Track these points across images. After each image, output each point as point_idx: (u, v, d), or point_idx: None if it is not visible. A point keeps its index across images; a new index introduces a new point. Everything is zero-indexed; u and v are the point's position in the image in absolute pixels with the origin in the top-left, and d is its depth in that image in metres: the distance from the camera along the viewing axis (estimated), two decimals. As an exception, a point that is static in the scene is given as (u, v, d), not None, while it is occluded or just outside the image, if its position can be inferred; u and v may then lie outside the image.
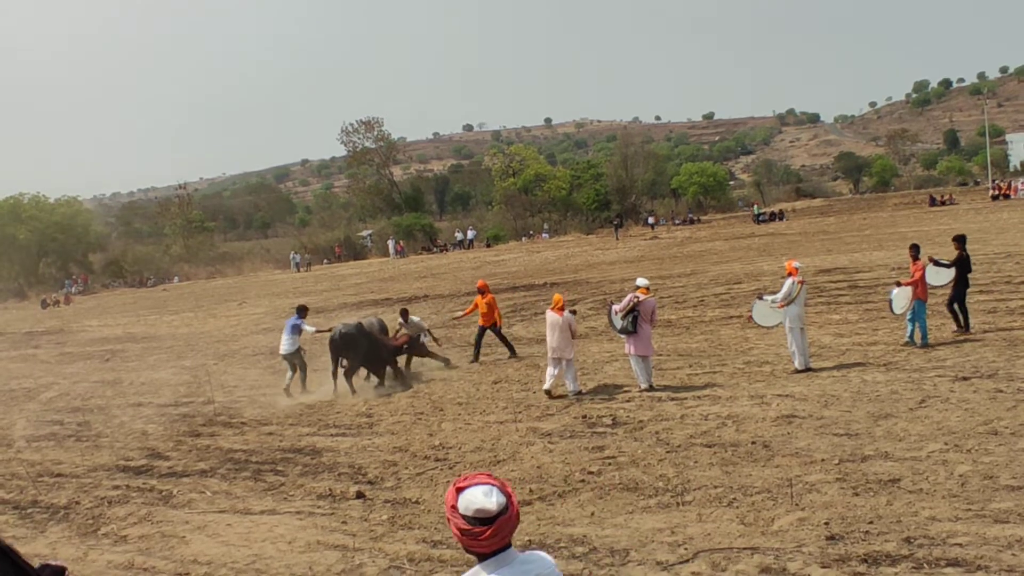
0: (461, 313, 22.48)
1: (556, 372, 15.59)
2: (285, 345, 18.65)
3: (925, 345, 16.38)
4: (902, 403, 12.40)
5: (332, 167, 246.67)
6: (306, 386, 18.37)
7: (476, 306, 20.54)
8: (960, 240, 17.49)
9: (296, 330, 18.59)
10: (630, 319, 15.11)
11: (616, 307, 15.58)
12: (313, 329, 18.98)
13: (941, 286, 17.35)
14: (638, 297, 15.22)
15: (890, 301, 17.08)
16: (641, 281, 15.82)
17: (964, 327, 17.11)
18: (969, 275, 17.47)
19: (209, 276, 72.75)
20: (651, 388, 15.01)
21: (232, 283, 62.42)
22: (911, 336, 16.66)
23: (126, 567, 9.14)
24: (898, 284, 17.03)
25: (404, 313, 20.10)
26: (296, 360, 18.53)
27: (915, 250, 17.13)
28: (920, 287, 16.54)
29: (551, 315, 15.74)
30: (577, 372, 15.87)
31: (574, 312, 16.31)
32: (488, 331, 20.24)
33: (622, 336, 15.70)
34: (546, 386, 15.73)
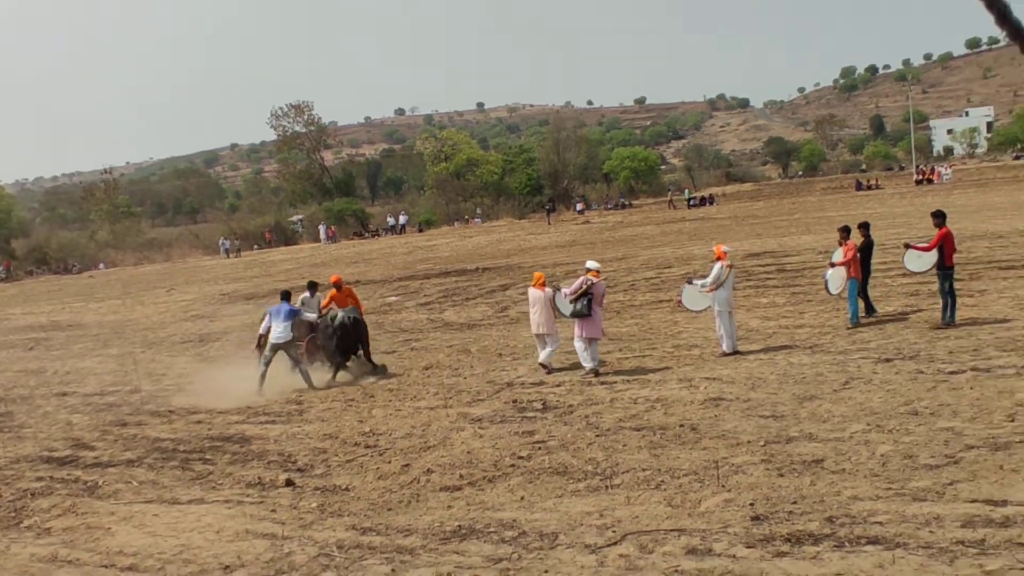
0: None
1: (551, 348, 15.85)
2: (281, 333, 16.69)
3: (855, 324, 16.66)
4: (826, 385, 12.61)
5: (262, 152, 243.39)
6: (311, 381, 16.90)
7: (331, 300, 18.74)
8: (864, 227, 17.69)
9: (292, 316, 16.99)
10: (584, 302, 15.07)
11: (565, 291, 15.53)
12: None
13: (923, 272, 17.08)
14: (590, 280, 15.20)
15: (825, 282, 17.40)
16: (592, 264, 15.77)
17: (869, 312, 17.38)
18: (872, 261, 17.77)
19: (136, 262, 71.56)
20: (596, 373, 15.04)
21: (160, 269, 61.50)
22: (854, 315, 16.89)
23: (50, 560, 8.97)
24: (832, 265, 17.29)
25: (312, 286, 19.65)
26: (292, 351, 17.04)
27: (845, 232, 17.32)
28: (853, 267, 16.78)
29: (533, 292, 15.80)
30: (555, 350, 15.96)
31: (557, 289, 16.19)
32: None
33: (571, 319, 15.56)
34: (541, 359, 15.88)
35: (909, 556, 6.89)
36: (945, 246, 16.04)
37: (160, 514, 10.11)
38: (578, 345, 15.26)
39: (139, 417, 15.57)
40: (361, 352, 17.58)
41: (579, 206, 78.46)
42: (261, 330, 17.17)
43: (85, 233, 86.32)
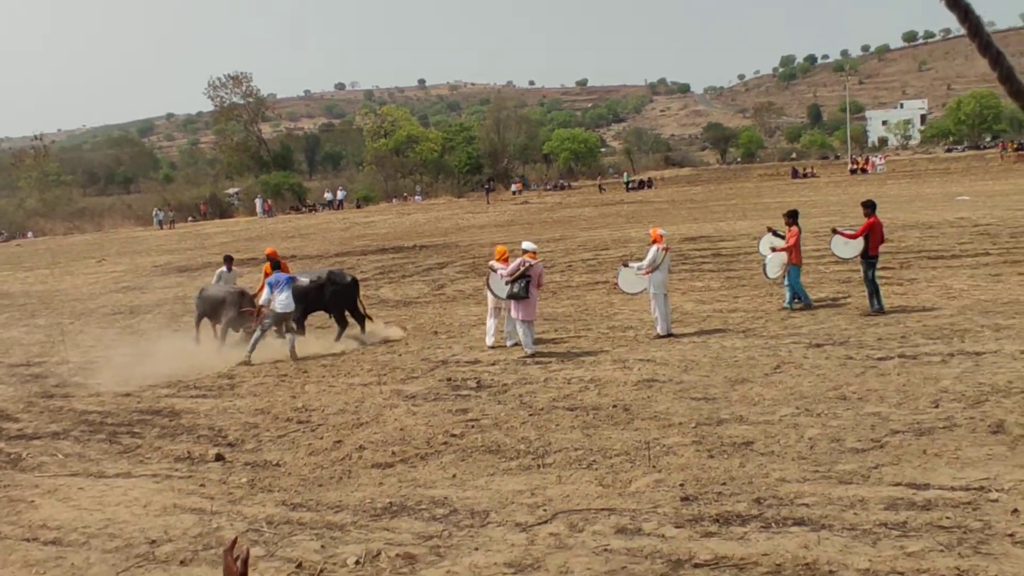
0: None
1: (496, 323, 15.87)
2: (286, 301, 16.56)
3: (808, 306, 16.90)
4: (758, 368, 12.76)
5: (199, 122, 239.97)
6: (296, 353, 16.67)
7: (266, 275, 18.48)
8: (793, 215, 17.90)
9: (291, 283, 16.88)
10: (522, 284, 14.98)
11: (502, 271, 15.45)
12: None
13: (850, 259, 17.29)
14: (527, 262, 15.15)
15: (764, 266, 17.62)
16: (528, 245, 15.69)
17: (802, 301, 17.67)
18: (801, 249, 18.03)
19: (67, 232, 70.16)
20: (535, 354, 15.02)
21: (91, 240, 60.38)
22: (790, 302, 17.12)
23: (-31, 532, 8.78)
24: (772, 249, 17.50)
25: (228, 260, 19.57)
26: (290, 320, 16.99)
27: (792, 217, 17.51)
28: (795, 253, 17.00)
29: (499, 267, 15.62)
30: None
31: (493, 270, 15.97)
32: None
33: (506, 301, 15.48)
34: (490, 341, 15.90)
35: (833, 537, 7.00)
36: (871, 235, 16.32)
37: (86, 488, 9.93)
38: (519, 328, 15.20)
39: (66, 389, 15.26)
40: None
41: (515, 186, 78.24)
42: (262, 301, 16.91)
43: (13, 201, 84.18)
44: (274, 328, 17.18)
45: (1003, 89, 1.70)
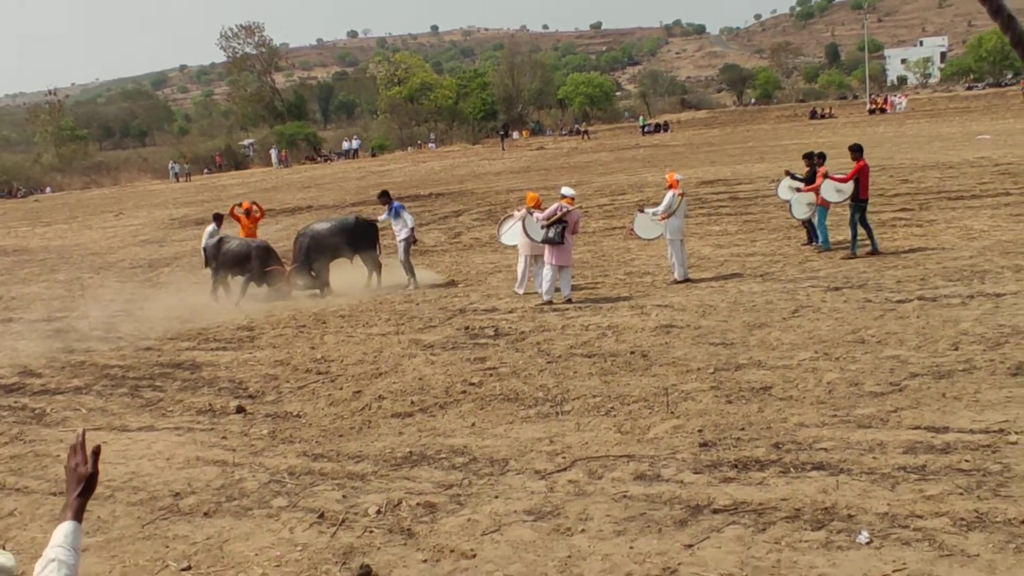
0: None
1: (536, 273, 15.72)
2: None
3: (826, 249, 16.85)
4: (776, 313, 12.73)
5: (212, 73, 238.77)
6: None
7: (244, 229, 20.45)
8: (809, 157, 17.79)
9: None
10: (558, 229, 14.89)
11: (538, 215, 15.34)
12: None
13: (839, 203, 17.10)
14: (565, 207, 15.06)
15: (789, 205, 17.57)
16: (567, 191, 15.54)
17: (809, 242, 17.66)
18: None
19: (84, 186, 70.35)
20: (569, 301, 14.93)
21: (108, 194, 60.52)
22: (826, 243, 17.06)
23: (-4, 487, 8.90)
24: (798, 190, 17.41)
25: (218, 218, 19.72)
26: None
27: (821, 158, 17.42)
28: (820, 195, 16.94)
29: (535, 212, 15.52)
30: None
31: (530, 213, 15.74)
32: None
33: (536, 240, 15.33)
34: (520, 290, 15.98)
35: (852, 482, 7.02)
36: (861, 179, 16.31)
37: (110, 441, 10.01)
38: (546, 272, 15.11)
39: (87, 344, 15.36)
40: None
41: (517, 134, 76.46)
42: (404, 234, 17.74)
43: (30, 156, 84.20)
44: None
45: (1017, 53, 1.67)
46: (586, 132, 76.58)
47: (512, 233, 16.56)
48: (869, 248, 16.34)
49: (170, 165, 70.23)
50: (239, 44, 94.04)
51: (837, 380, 9.55)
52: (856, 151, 16.66)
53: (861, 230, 16.43)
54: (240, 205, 21.07)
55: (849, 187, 16.37)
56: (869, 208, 16.95)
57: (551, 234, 14.84)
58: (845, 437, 7.92)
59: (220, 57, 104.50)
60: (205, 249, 18.94)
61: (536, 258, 15.69)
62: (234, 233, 19.60)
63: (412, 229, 17.71)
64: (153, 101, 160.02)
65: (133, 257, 26.22)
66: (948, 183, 24.05)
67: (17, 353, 15.05)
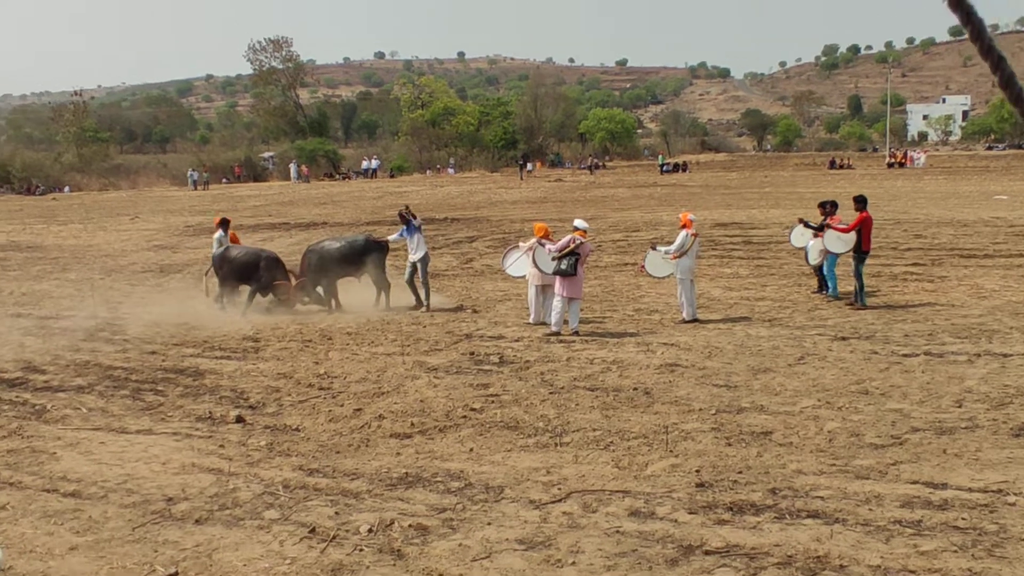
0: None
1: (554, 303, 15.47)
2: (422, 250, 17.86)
3: (835, 298, 16.84)
4: (782, 358, 12.71)
5: (237, 85, 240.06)
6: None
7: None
8: (823, 206, 17.81)
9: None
10: (571, 261, 14.88)
11: (550, 247, 15.35)
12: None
13: (841, 254, 16.98)
14: (578, 239, 15.06)
15: (805, 251, 17.60)
16: (580, 223, 15.54)
17: (820, 290, 17.61)
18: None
19: (102, 188, 70.68)
20: (577, 333, 14.91)
21: (126, 197, 60.80)
22: (835, 291, 17.06)
23: (-9, 480, 8.90)
24: (815, 235, 17.36)
25: (225, 223, 19.72)
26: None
27: (833, 207, 17.41)
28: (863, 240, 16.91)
29: (546, 243, 15.55)
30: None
31: (541, 244, 15.71)
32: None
33: (545, 272, 15.34)
34: (533, 318, 15.88)
35: (847, 532, 6.98)
36: (864, 230, 16.31)
37: (107, 442, 10.05)
38: (556, 303, 15.11)
39: (93, 344, 15.42)
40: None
41: (530, 165, 75.88)
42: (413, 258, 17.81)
43: (51, 154, 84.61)
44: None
45: (1004, 94, 1.68)
46: (591, 168, 76.65)
47: (519, 264, 16.55)
48: (852, 299, 16.46)
49: (189, 172, 70.53)
50: (266, 57, 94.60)
51: (838, 429, 9.52)
52: (860, 202, 16.66)
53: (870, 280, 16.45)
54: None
55: (851, 238, 16.37)
56: (882, 260, 16.96)
57: (563, 265, 14.85)
58: (843, 487, 7.89)
59: (247, 69, 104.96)
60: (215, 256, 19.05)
61: (545, 288, 15.69)
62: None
63: (417, 259, 17.68)
64: (177, 108, 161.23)
65: (145, 261, 26.30)
66: (962, 241, 24.05)
67: (23, 348, 15.10)
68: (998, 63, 1.59)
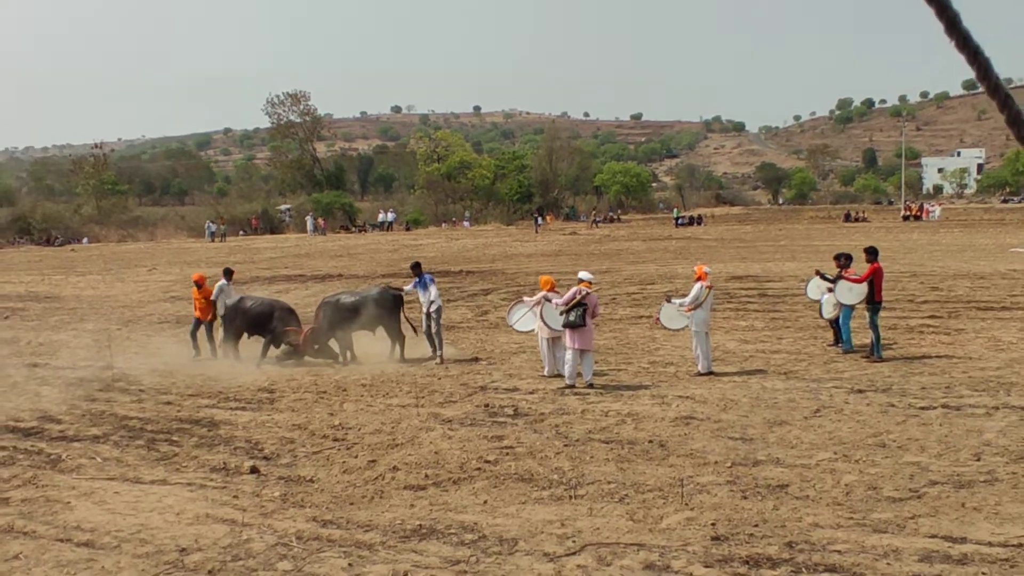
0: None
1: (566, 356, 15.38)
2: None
3: (849, 350, 16.77)
4: (798, 411, 12.63)
5: (255, 138, 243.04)
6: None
7: (195, 300, 19.76)
8: (838, 258, 17.79)
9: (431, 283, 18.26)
10: (579, 312, 14.89)
11: (557, 301, 15.38)
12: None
13: (855, 306, 17.01)
14: (583, 291, 15.08)
15: (820, 304, 17.56)
16: (585, 275, 15.51)
17: (836, 343, 17.57)
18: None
19: (120, 239, 71.24)
20: (591, 386, 14.86)
21: (144, 248, 61.22)
22: (848, 343, 16.99)
23: (5, 530, 8.89)
24: (829, 290, 17.33)
25: (228, 273, 19.83)
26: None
27: (847, 259, 17.37)
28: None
29: (554, 296, 15.62)
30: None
31: (548, 300, 15.72)
32: (202, 325, 19.43)
33: (554, 329, 15.39)
34: (547, 371, 15.85)
35: (865, 586, 6.90)
36: (875, 281, 16.32)
37: (121, 492, 10.05)
38: (569, 356, 15.10)
39: (109, 394, 15.47)
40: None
41: (540, 219, 75.57)
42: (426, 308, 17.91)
43: (71, 206, 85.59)
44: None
45: (1011, 132, 1.71)
46: (595, 221, 76.77)
47: (526, 320, 16.53)
48: (868, 352, 16.39)
49: (206, 224, 71.05)
50: (284, 111, 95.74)
51: (855, 482, 9.44)
52: (871, 253, 16.70)
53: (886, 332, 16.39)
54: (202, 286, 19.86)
55: (863, 289, 16.37)
56: (898, 313, 16.90)
57: (572, 317, 14.86)
58: (860, 541, 7.81)
59: (265, 123, 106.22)
60: (214, 302, 19.24)
61: (555, 340, 15.69)
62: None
63: (433, 303, 17.75)
64: (196, 161, 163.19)
65: (162, 312, 26.43)
66: (979, 293, 23.97)
67: (39, 398, 15.17)
68: (1005, 101, 1.62)
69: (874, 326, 16.32)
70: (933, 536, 7.87)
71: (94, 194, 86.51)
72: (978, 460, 10.08)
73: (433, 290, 17.83)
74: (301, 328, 18.06)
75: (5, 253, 62.62)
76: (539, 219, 74.50)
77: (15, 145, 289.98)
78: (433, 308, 17.71)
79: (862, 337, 17.22)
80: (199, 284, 19.62)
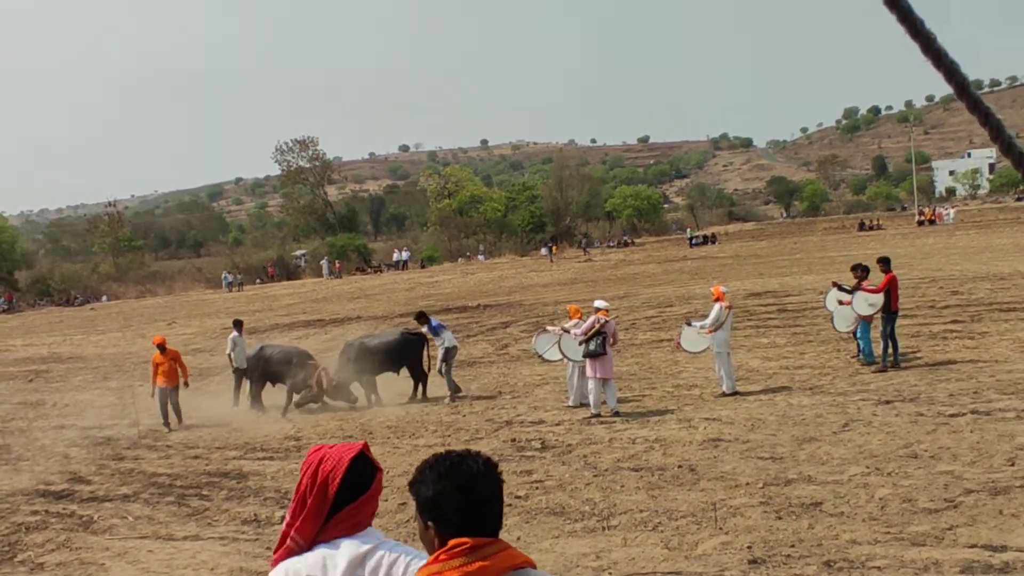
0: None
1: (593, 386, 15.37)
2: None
3: (871, 362, 16.69)
4: (826, 427, 12.55)
5: (266, 186, 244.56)
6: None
7: (156, 366, 17.70)
8: (855, 269, 17.75)
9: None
10: (599, 340, 14.91)
11: (575, 332, 15.39)
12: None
13: (869, 316, 16.99)
14: (601, 319, 15.09)
15: (831, 317, 17.49)
16: (600, 303, 15.62)
17: (859, 355, 17.48)
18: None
19: (139, 295, 71.51)
20: (617, 413, 14.84)
21: (162, 302, 61.46)
22: (870, 355, 16.91)
23: (41, 596, 8.91)
24: (840, 303, 17.29)
25: (238, 324, 19.94)
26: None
27: (864, 271, 17.34)
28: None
29: (570, 325, 15.66)
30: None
31: (566, 331, 15.83)
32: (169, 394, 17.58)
33: (575, 361, 15.47)
34: (572, 401, 15.87)
35: (907, 602, 6.83)
36: (891, 290, 16.36)
37: (155, 550, 10.05)
38: (592, 386, 15.10)
39: (136, 451, 15.53)
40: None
41: (545, 249, 75.04)
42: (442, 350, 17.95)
43: (88, 265, 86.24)
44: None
45: (996, 146, 1.71)
46: (588, 248, 76.62)
47: (555, 350, 16.53)
48: (890, 362, 16.33)
49: (223, 275, 71.29)
50: (293, 157, 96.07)
51: (890, 496, 9.36)
52: (884, 263, 16.74)
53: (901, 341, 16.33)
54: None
55: (879, 299, 16.33)
56: (920, 320, 16.82)
57: (592, 347, 14.86)
58: (899, 555, 7.74)
59: (275, 170, 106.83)
60: (230, 355, 19.38)
61: (582, 370, 15.66)
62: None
63: (446, 347, 17.78)
64: (208, 213, 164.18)
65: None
66: (1000, 294, 23.80)
67: (68, 460, 15.23)
68: (986, 117, 1.62)
69: (890, 335, 16.26)
70: (973, 546, 7.79)
71: (111, 252, 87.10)
72: (1012, 465, 9.98)
73: (446, 334, 17.88)
74: (318, 369, 18.10)
75: (27, 316, 62.96)
76: (543, 249, 74.35)
77: (30, 208, 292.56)
78: (446, 347, 17.75)
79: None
80: (162, 348, 17.81)
